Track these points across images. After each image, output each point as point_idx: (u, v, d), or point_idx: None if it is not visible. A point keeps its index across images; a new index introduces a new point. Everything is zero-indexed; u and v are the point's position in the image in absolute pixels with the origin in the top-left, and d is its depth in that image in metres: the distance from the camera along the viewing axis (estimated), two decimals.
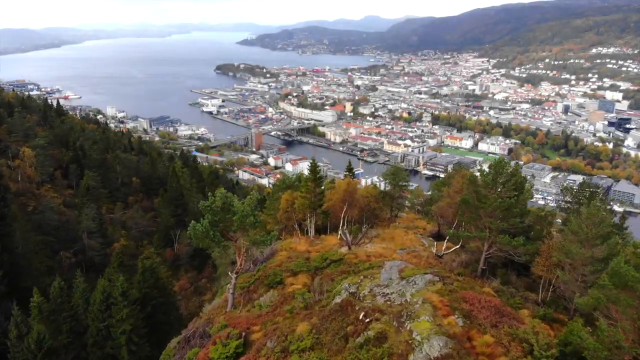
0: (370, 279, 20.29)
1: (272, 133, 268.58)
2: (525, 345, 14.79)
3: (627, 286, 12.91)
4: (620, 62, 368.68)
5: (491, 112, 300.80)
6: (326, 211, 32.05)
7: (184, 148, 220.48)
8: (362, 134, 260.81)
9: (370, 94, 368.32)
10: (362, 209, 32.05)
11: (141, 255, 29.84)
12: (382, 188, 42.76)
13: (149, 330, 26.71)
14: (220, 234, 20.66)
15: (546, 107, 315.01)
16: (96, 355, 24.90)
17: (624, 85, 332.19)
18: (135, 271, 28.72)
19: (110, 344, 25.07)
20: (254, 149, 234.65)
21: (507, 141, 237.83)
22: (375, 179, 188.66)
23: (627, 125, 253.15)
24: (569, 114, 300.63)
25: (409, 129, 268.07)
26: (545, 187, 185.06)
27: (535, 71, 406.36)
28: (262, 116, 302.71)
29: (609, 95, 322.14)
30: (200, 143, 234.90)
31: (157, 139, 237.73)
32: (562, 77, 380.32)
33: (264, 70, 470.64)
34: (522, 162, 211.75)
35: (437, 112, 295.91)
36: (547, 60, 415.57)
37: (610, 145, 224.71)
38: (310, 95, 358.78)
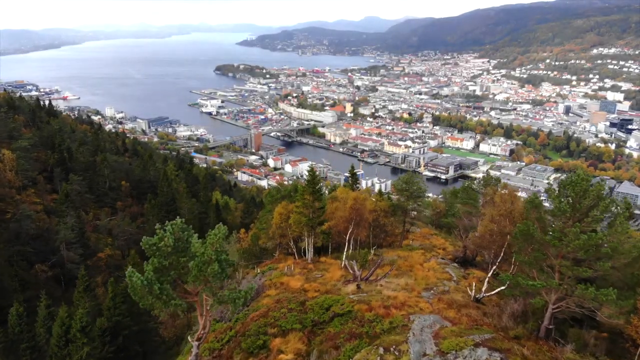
0: (395, 354, 14.20)
1: (272, 134, 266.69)
2: None
3: None
4: (622, 63, 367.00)
5: (492, 113, 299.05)
6: (327, 231, 27.86)
7: (182, 149, 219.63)
8: (363, 135, 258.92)
9: (371, 95, 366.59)
10: (371, 226, 28.02)
11: (126, 266, 27.63)
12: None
13: None
14: (173, 287, 13.72)
15: (547, 108, 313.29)
16: None
17: (625, 85, 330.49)
18: (120, 283, 26.29)
19: None
20: (253, 150, 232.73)
21: (509, 142, 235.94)
22: (375, 180, 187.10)
23: (629, 126, 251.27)
24: (570, 114, 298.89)
25: (410, 130, 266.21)
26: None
27: (535, 72, 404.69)
28: (262, 117, 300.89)
29: (610, 95, 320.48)
30: (199, 144, 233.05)
31: (155, 139, 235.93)
32: (563, 77, 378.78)
33: (264, 71, 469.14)
34: (523, 163, 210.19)
35: (437, 113, 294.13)
36: (547, 61, 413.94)
37: (613, 146, 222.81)
38: (310, 95, 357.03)
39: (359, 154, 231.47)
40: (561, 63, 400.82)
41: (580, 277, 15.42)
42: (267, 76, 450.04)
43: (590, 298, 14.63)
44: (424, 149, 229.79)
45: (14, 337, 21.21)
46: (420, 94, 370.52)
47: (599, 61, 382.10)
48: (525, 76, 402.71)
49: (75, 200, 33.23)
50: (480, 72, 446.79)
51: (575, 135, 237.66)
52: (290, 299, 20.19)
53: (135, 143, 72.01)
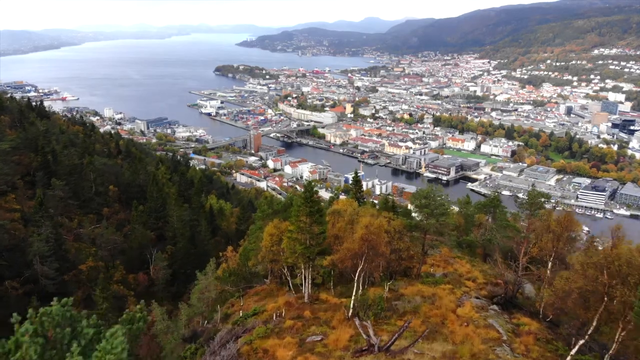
0: None
1: (272, 135, 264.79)
2: None
3: None
4: (623, 63, 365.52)
5: (493, 114, 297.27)
6: (330, 267, 22.38)
7: (180, 150, 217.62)
8: (363, 136, 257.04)
9: (371, 95, 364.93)
10: (384, 256, 21.55)
11: (110, 280, 25.13)
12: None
13: None
14: None
15: (548, 109, 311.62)
16: None
17: (626, 86, 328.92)
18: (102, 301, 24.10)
19: None
20: (252, 151, 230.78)
21: (510, 143, 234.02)
22: (376, 181, 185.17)
23: (632, 127, 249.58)
24: (571, 115, 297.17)
25: (410, 131, 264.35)
26: (550, 190, 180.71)
27: (536, 72, 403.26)
28: (262, 118, 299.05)
29: (612, 96, 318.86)
30: (198, 145, 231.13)
31: (154, 140, 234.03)
32: (564, 78, 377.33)
33: (264, 72, 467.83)
34: (525, 165, 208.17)
35: (438, 114, 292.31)
36: (548, 62, 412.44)
37: (615, 147, 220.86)
38: (310, 96, 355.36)
39: (359, 155, 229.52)
40: (562, 64, 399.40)
41: None
42: (267, 77, 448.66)
43: None
44: (424, 150, 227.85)
45: None
46: (421, 94, 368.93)
47: (600, 62, 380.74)
48: (526, 77, 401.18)
49: (58, 206, 31.36)
50: (481, 72, 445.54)
51: (577, 136, 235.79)
52: None
53: (129, 145, 69.80)
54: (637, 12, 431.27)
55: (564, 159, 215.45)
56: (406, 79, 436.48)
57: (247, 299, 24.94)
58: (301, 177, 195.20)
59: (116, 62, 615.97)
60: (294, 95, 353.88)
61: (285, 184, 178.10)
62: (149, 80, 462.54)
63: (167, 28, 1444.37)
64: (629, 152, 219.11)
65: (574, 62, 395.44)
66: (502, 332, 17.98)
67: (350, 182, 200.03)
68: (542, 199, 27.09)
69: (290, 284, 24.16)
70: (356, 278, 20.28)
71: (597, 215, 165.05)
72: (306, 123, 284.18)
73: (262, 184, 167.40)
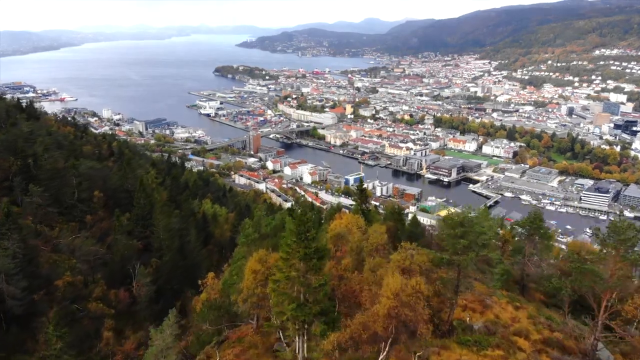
0: None
1: (271, 136, 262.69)
2: None
3: None
4: (624, 64, 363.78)
5: (494, 115, 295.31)
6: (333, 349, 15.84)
7: (179, 151, 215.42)
8: (363, 137, 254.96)
9: (371, 96, 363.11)
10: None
11: (89, 296, 22.52)
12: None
13: None
14: None
15: (550, 110, 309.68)
16: None
17: (628, 87, 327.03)
18: (75, 320, 21.57)
19: None
20: (252, 152, 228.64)
21: (512, 144, 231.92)
22: (377, 183, 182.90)
23: (634, 128, 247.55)
24: (573, 116, 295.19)
25: (411, 132, 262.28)
26: (553, 192, 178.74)
27: (537, 73, 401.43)
28: (261, 118, 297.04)
29: (613, 97, 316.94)
30: (197, 146, 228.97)
31: (152, 141, 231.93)
32: (565, 79, 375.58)
33: (263, 72, 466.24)
34: (527, 166, 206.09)
35: (439, 115, 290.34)
36: (549, 62, 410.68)
37: (618, 148, 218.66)
38: (309, 97, 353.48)
39: (359, 156, 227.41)
40: (563, 64, 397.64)
41: None
42: (267, 77, 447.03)
43: None
44: (425, 151, 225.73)
45: None
46: (421, 95, 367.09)
47: (601, 62, 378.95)
48: (526, 77, 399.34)
49: (37, 214, 29.09)
50: (481, 73, 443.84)
51: (579, 137, 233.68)
52: None
53: (122, 146, 67.49)
54: (638, 12, 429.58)
55: (566, 160, 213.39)
56: (406, 80, 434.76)
57: (226, 350, 20.05)
58: (301, 178, 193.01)
59: (116, 62, 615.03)
60: (294, 96, 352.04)
61: (284, 186, 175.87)
62: (148, 81, 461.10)
63: (166, 29, 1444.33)
64: (632, 153, 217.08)
65: (575, 62, 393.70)
66: None
67: (351, 184, 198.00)
68: (636, 234, 18.45)
69: (282, 337, 18.44)
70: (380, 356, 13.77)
71: (600, 217, 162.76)
72: (306, 124, 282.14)
73: (261, 186, 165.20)
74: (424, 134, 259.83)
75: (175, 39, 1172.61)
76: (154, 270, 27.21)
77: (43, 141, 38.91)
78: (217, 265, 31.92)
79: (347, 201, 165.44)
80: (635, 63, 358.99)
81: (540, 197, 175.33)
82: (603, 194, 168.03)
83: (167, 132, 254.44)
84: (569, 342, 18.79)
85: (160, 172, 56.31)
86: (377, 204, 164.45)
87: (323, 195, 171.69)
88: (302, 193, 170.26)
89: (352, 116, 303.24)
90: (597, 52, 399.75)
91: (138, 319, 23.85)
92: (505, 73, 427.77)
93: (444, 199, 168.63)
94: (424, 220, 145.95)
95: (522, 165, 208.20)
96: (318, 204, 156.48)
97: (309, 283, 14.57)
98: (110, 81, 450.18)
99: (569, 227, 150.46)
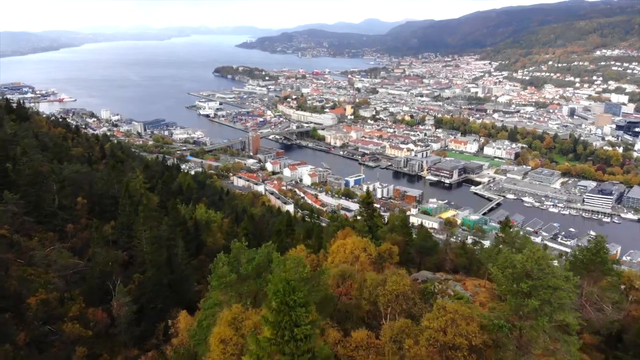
0: None
1: (271, 137, 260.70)
2: None
3: None
4: (625, 65, 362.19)
5: (495, 115, 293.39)
6: None
7: (177, 152, 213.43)
8: (363, 138, 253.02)
9: (371, 97, 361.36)
10: None
11: (65, 315, 20.03)
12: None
13: None
14: None
15: (551, 110, 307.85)
16: None
17: (629, 87, 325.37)
18: (47, 344, 19.17)
19: None
20: (251, 153, 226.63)
21: (514, 145, 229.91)
22: (377, 184, 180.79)
23: (636, 129, 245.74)
24: (575, 117, 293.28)
25: (412, 133, 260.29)
26: (556, 194, 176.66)
27: (538, 73, 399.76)
28: (261, 119, 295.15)
29: (615, 98, 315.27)
30: (196, 147, 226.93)
31: (150, 142, 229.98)
32: (566, 79, 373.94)
33: (263, 73, 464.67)
34: (529, 167, 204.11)
35: (439, 115, 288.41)
36: (550, 63, 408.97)
37: (620, 150, 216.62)
38: (309, 98, 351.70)
39: (359, 157, 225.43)
40: (564, 65, 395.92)
41: None
42: (267, 78, 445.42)
43: None
44: (426, 153, 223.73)
45: None
46: (422, 96, 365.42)
47: (603, 63, 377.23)
48: (527, 78, 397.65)
49: (14, 223, 26.87)
50: (482, 74, 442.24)
51: (581, 138, 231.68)
52: None
53: (114, 148, 65.14)
54: (639, 13, 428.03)
55: (569, 161, 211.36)
56: (407, 80, 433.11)
57: None
58: (300, 180, 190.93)
59: (115, 63, 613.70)
60: (294, 97, 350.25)
61: (284, 188, 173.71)
62: (148, 82, 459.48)
63: (166, 30, 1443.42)
64: (635, 154, 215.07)
65: (575, 63, 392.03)
66: None
67: (352, 185, 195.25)
68: None
69: None
70: None
71: (604, 219, 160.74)
72: (306, 125, 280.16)
73: (260, 188, 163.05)
74: (425, 134, 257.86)
75: (175, 40, 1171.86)
76: (136, 287, 24.81)
77: (27, 143, 36.77)
78: (208, 277, 30.11)
79: (347, 203, 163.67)
80: (636, 64, 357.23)
81: (542, 199, 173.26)
82: (606, 196, 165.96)
83: (166, 133, 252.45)
84: None
85: (154, 175, 54.24)
86: (378, 206, 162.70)
87: (323, 197, 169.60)
88: (302, 195, 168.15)
89: (352, 117, 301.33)
90: (598, 52, 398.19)
91: (116, 343, 21.55)
92: (505, 74, 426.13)
93: (446, 201, 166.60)
94: (426, 222, 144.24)
95: (524, 166, 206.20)
96: (318, 206, 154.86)
97: None
98: (109, 82, 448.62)
99: (572, 229, 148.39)
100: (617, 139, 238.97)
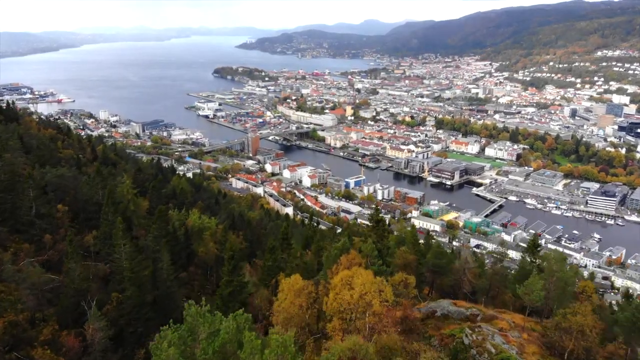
0: None
1: (270, 138, 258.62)
2: None
3: None
4: (627, 65, 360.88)
5: (496, 116, 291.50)
6: None
7: (175, 153, 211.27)
8: (364, 139, 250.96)
9: (371, 98, 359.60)
10: None
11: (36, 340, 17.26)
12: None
13: None
14: None
15: (552, 111, 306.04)
16: None
17: (630, 88, 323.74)
18: None
19: None
20: (250, 155, 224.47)
21: (515, 146, 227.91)
22: (378, 186, 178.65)
23: (639, 130, 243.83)
24: (576, 118, 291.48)
25: (412, 134, 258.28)
26: (558, 196, 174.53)
27: (539, 74, 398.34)
28: (260, 120, 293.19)
29: (616, 98, 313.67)
30: (194, 148, 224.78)
31: (149, 143, 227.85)
32: (567, 80, 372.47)
33: (263, 74, 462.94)
34: (531, 169, 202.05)
35: (440, 116, 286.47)
36: (551, 64, 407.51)
37: (623, 151, 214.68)
38: (309, 98, 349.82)
39: (360, 158, 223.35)
40: (565, 65, 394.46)
41: None
42: (266, 79, 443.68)
43: None
44: (427, 154, 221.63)
45: None
46: (422, 96, 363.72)
47: (604, 63, 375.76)
48: (528, 79, 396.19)
49: None
50: (482, 74, 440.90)
51: (583, 139, 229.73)
52: None
53: (107, 150, 62.73)
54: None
55: (571, 162, 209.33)
56: (407, 81, 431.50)
57: None
58: (300, 181, 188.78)
59: (114, 64, 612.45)
60: (294, 98, 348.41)
61: (283, 189, 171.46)
62: (147, 82, 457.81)
63: (166, 30, 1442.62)
64: (638, 155, 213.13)
65: (577, 64, 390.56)
66: None
67: (352, 186, 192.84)
68: None
69: None
70: None
71: (607, 221, 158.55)
72: (305, 125, 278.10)
73: (259, 190, 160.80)
74: (426, 135, 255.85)
75: (175, 41, 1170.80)
76: (113, 308, 22.41)
77: (7, 147, 34.40)
78: (199, 293, 27.29)
79: (347, 205, 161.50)
80: (637, 64, 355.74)
81: (545, 201, 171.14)
82: (610, 198, 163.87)
83: (165, 133, 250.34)
84: None
85: (147, 178, 52.02)
86: (380, 208, 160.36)
87: (323, 199, 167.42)
88: (302, 197, 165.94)
89: (353, 118, 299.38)
90: (599, 53, 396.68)
91: None
92: (506, 74, 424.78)
93: (447, 203, 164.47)
94: (428, 225, 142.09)
95: (526, 168, 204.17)
96: (318, 209, 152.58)
97: None
98: (108, 82, 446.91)
99: (575, 232, 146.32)
100: (620, 140, 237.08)
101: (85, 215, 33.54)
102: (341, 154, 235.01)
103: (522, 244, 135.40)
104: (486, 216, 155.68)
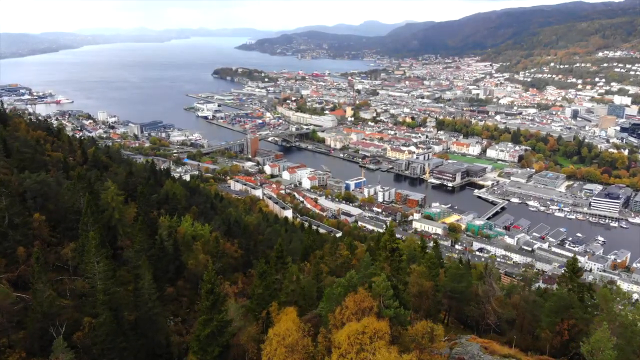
0: None
1: (270, 139, 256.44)
2: None
3: None
4: (628, 66, 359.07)
5: (497, 117, 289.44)
6: None
7: (174, 155, 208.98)
8: (364, 140, 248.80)
9: (371, 98, 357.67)
10: None
11: None
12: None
13: None
14: None
15: (554, 112, 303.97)
16: None
17: (632, 89, 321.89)
18: None
19: None
20: (249, 156, 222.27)
21: (517, 147, 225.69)
22: (378, 188, 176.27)
23: None
24: (578, 119, 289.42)
25: (413, 135, 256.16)
26: (561, 198, 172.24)
27: (540, 75, 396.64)
28: (260, 121, 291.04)
29: (618, 99, 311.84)
30: (193, 149, 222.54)
31: (147, 145, 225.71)
32: (568, 81, 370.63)
33: (262, 75, 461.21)
34: (533, 170, 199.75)
35: (441, 117, 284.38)
36: (552, 64, 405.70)
37: (626, 152, 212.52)
38: (309, 99, 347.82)
39: (360, 160, 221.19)
40: (566, 66, 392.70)
41: None
42: (266, 80, 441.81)
43: None
44: (428, 155, 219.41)
45: None
46: (422, 97, 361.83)
47: (605, 64, 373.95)
48: (529, 80, 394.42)
49: None
50: (483, 75, 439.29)
51: (585, 140, 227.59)
52: None
53: (98, 153, 60.31)
54: None
55: (573, 164, 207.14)
56: (407, 82, 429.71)
57: None
58: (300, 183, 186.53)
59: (114, 65, 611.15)
60: (293, 98, 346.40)
61: (282, 192, 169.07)
62: (146, 83, 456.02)
63: (166, 32, 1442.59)
64: None
65: (578, 64, 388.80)
66: None
67: (352, 188, 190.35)
68: None
69: None
70: None
71: (611, 224, 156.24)
72: (305, 127, 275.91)
73: (258, 192, 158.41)
74: (426, 137, 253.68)
75: (175, 42, 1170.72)
76: (85, 335, 19.95)
77: None
78: (187, 309, 24.97)
79: (347, 207, 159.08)
80: (639, 65, 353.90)
81: (548, 203, 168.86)
82: (614, 200, 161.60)
83: (163, 135, 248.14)
84: None
85: (139, 182, 49.79)
86: (380, 210, 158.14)
87: (323, 201, 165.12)
88: (301, 199, 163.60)
89: (353, 119, 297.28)
90: (600, 54, 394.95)
91: None
92: (507, 75, 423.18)
93: (449, 205, 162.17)
94: (430, 228, 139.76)
95: (528, 169, 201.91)
96: (317, 211, 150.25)
97: None
98: (107, 83, 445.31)
99: (579, 234, 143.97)
100: (622, 141, 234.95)
101: (66, 225, 31.17)
102: (341, 155, 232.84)
103: (525, 247, 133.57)
104: (488, 218, 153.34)
